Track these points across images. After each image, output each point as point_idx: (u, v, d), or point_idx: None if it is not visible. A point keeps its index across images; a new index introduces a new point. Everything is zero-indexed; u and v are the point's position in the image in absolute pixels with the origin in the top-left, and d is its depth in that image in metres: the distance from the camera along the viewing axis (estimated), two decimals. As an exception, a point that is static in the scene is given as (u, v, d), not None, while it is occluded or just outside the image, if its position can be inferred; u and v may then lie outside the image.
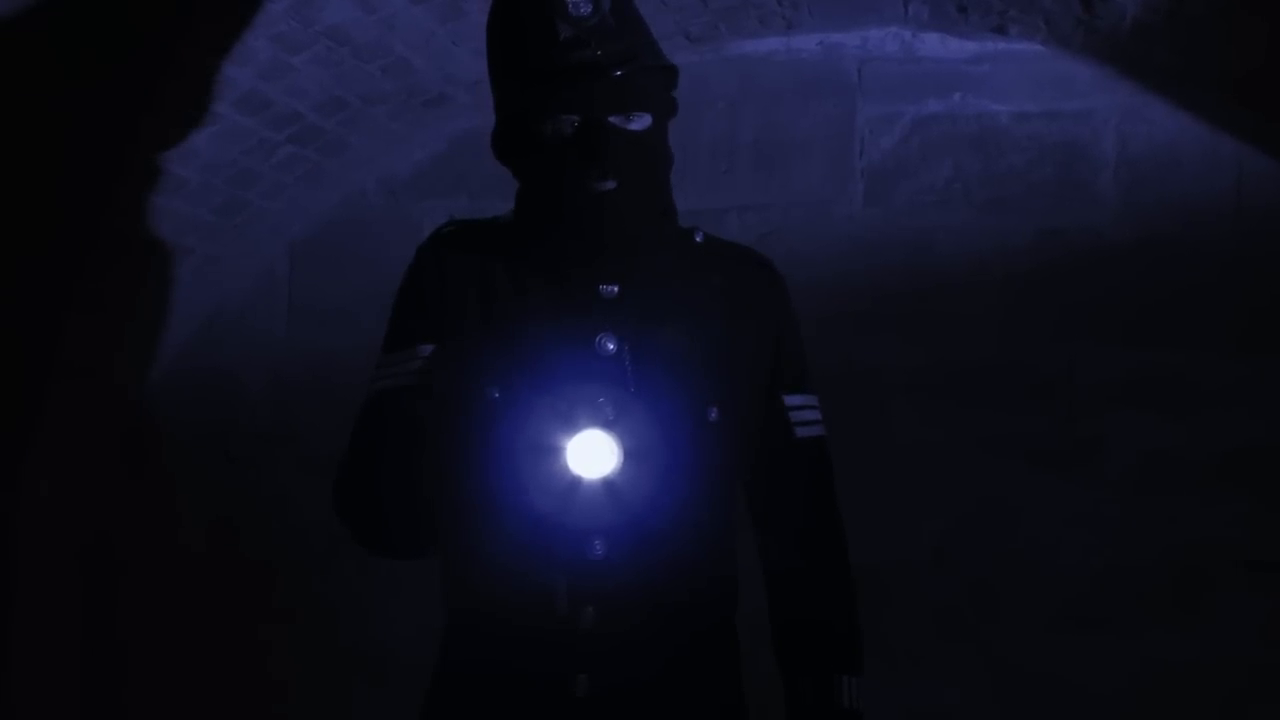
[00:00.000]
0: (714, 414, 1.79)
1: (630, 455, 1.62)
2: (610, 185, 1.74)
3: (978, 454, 3.12)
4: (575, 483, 1.62)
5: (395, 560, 1.91)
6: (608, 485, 1.62)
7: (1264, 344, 3.03)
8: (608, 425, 1.63)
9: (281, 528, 3.37)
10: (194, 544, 3.41)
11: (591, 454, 1.61)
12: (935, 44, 3.17)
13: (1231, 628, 3.01)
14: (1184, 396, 3.05)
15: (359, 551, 1.87)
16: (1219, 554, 3.02)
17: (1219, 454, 3.03)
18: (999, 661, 3.09)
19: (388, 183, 3.44)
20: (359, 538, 1.84)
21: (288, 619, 3.36)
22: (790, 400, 1.92)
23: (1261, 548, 3.00)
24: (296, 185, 3.25)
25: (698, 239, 1.94)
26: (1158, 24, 2.83)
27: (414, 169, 3.43)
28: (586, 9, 1.70)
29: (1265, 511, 3.00)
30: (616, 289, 1.80)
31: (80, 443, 3.19)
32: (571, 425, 1.62)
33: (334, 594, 3.32)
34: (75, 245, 2.81)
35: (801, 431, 1.93)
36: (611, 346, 1.77)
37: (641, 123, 1.77)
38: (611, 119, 1.74)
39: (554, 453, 1.61)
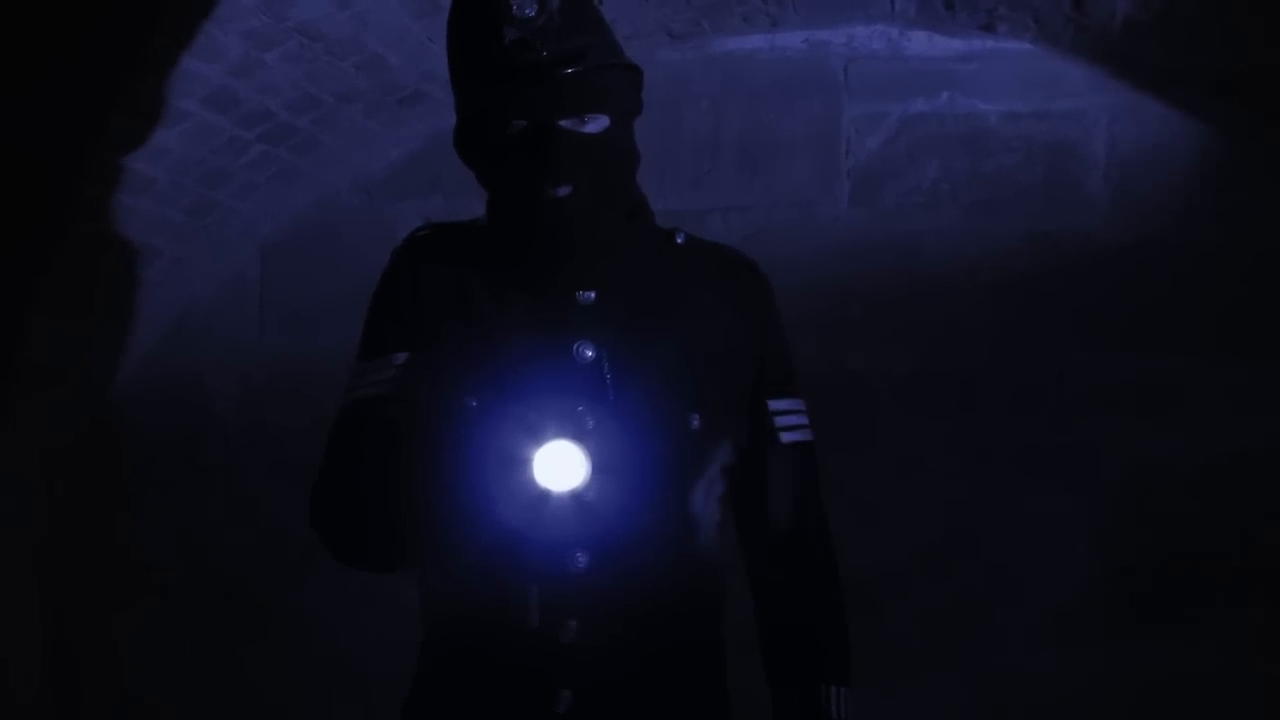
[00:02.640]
0: (696, 422, 1.75)
1: (605, 466, 1.57)
2: (565, 191, 1.70)
3: (966, 460, 3.07)
4: (544, 495, 1.56)
5: (370, 572, 1.86)
6: (577, 498, 1.56)
7: (1256, 348, 2.99)
8: (583, 435, 1.57)
9: (252, 536, 3.31)
10: (162, 552, 3.34)
11: (559, 466, 1.55)
12: (922, 42, 3.13)
13: (1223, 638, 2.97)
14: (1176, 402, 3.01)
15: (334, 561, 1.81)
16: (1211, 563, 2.98)
17: (1211, 461, 2.99)
18: (989, 671, 3.04)
19: (362, 182, 3.38)
20: (336, 551, 1.79)
21: (259, 630, 3.29)
22: (775, 405, 1.88)
23: (1254, 556, 2.96)
24: (268, 185, 3.18)
25: (679, 240, 1.91)
26: (1149, 23, 2.80)
27: (389, 168, 3.37)
28: (531, 10, 1.66)
29: (1258, 519, 2.96)
30: (594, 295, 1.77)
31: (44, 449, 3.12)
32: (542, 436, 1.56)
33: (307, 604, 3.26)
34: (40, 245, 2.74)
35: (787, 437, 1.89)
36: (590, 354, 1.73)
37: (597, 124, 1.72)
38: (563, 122, 1.69)
39: (522, 464, 1.55)
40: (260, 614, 3.30)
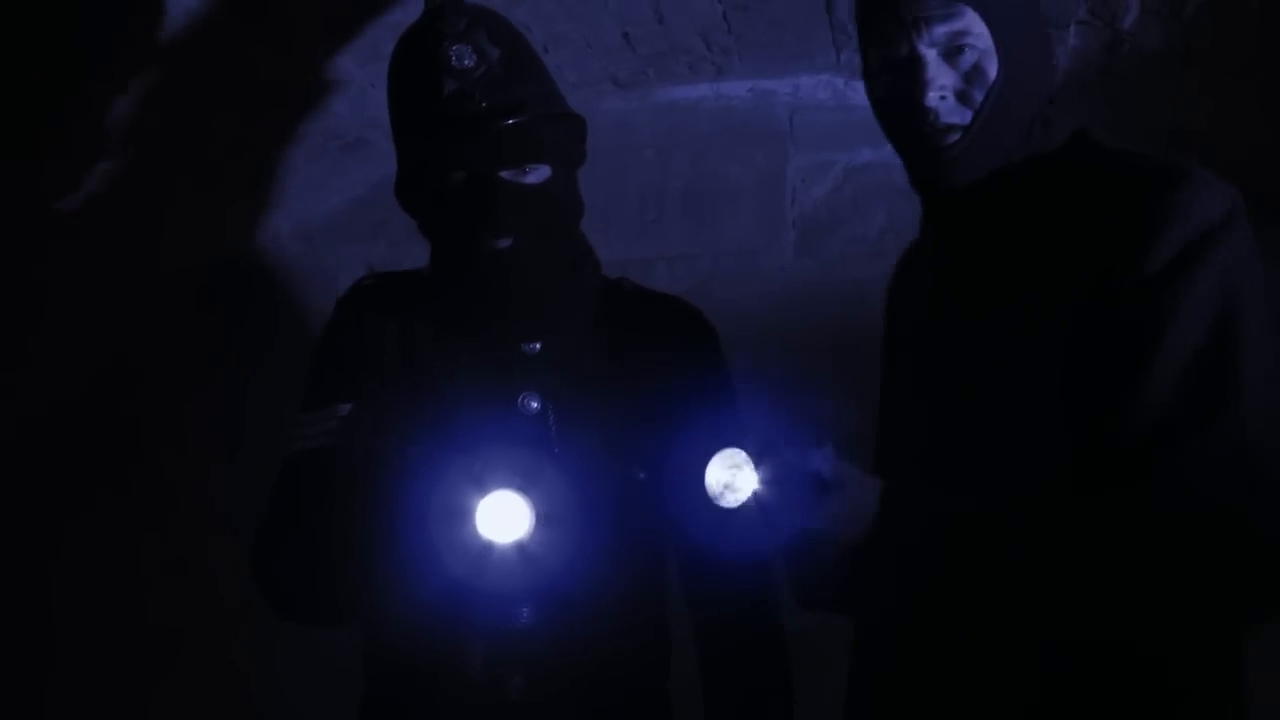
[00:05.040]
0: (642, 474, 1.74)
1: (549, 518, 1.54)
2: (505, 243, 1.69)
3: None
4: (488, 547, 1.52)
5: (313, 628, 1.85)
6: (521, 550, 1.53)
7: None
8: (525, 487, 1.54)
9: (188, 587, 3.22)
10: (99, 603, 3.26)
11: (502, 517, 1.52)
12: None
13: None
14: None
15: (271, 615, 1.78)
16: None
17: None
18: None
19: (303, 228, 3.34)
20: (276, 605, 1.76)
21: (193, 685, 3.21)
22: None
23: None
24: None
25: (625, 290, 1.90)
26: (1090, 78, 2.82)
27: (330, 214, 3.32)
28: (470, 61, 1.66)
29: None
30: (539, 346, 1.76)
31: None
32: (485, 486, 1.53)
33: (243, 660, 3.18)
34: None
35: None
36: (535, 405, 1.73)
37: (538, 175, 1.71)
38: (503, 173, 1.68)
39: (465, 515, 1.52)
40: (197, 668, 3.22)
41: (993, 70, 1.50)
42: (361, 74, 2.71)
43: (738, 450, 1.41)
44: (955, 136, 1.52)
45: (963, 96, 1.51)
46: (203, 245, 3.18)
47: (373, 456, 1.72)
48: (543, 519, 1.52)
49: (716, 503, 1.41)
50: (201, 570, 3.17)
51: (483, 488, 1.52)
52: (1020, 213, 1.55)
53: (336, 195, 3.30)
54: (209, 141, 2.78)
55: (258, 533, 1.77)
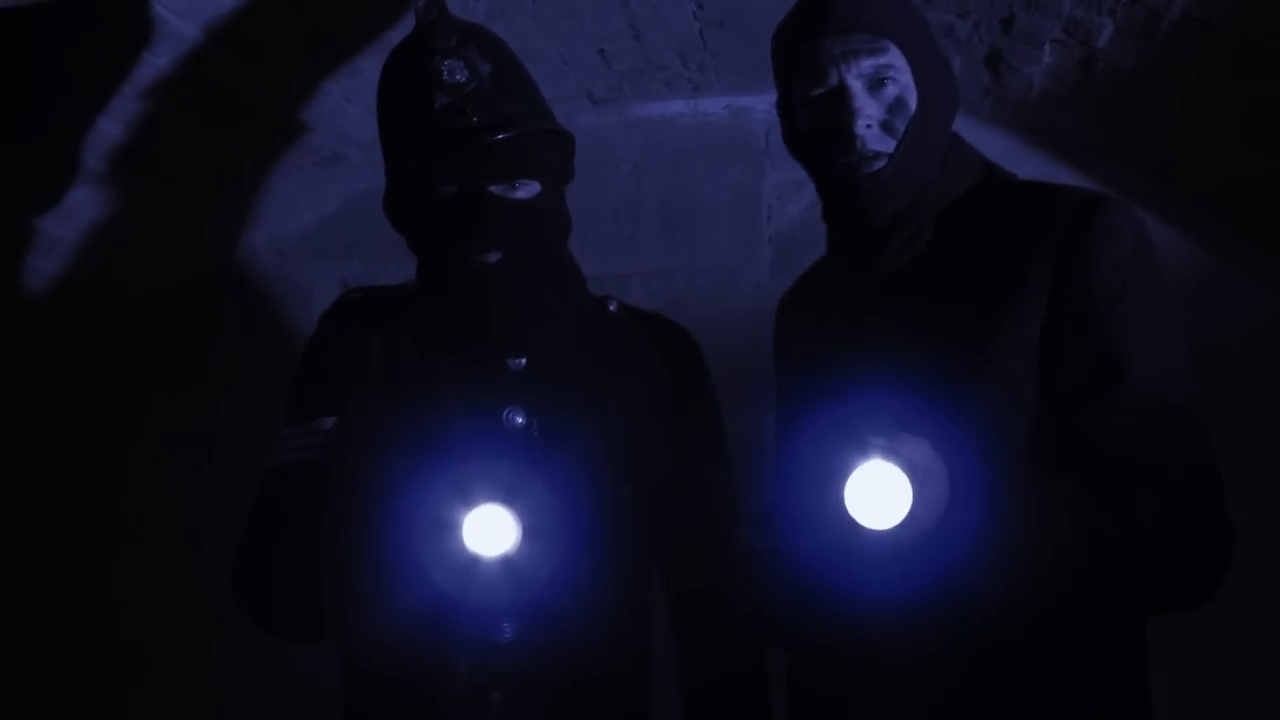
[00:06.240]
0: (626, 489, 1.75)
1: (534, 532, 1.53)
2: (494, 257, 1.69)
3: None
4: (474, 560, 1.51)
5: (295, 642, 1.82)
6: (507, 563, 1.52)
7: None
8: (510, 501, 1.53)
9: (160, 603, 3.19)
10: (70, 619, 3.22)
11: (489, 530, 1.52)
12: (844, 109, 3.13)
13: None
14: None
15: (245, 631, 1.78)
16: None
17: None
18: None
19: (277, 244, 3.32)
20: (258, 620, 1.75)
21: (165, 703, 3.17)
22: (705, 474, 1.88)
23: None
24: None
25: (611, 308, 1.92)
26: (1065, 95, 2.83)
27: (304, 230, 3.31)
28: (462, 76, 1.67)
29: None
30: (524, 361, 1.76)
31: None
32: (471, 500, 1.52)
33: (216, 676, 3.15)
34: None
35: (717, 506, 1.87)
36: (520, 420, 1.73)
37: (528, 190, 1.72)
38: (493, 188, 1.69)
39: (451, 529, 1.51)
40: (170, 687, 3.18)
41: (913, 102, 1.63)
42: (336, 89, 2.70)
43: (882, 462, 1.27)
44: (880, 164, 1.62)
45: (886, 126, 1.63)
46: (177, 261, 3.16)
47: (357, 471, 1.71)
48: (529, 532, 1.51)
49: (873, 529, 1.28)
50: (173, 586, 3.14)
51: (469, 501, 1.51)
52: (950, 237, 1.66)
53: (310, 211, 3.29)
54: (184, 158, 2.76)
55: (239, 546, 1.76)
